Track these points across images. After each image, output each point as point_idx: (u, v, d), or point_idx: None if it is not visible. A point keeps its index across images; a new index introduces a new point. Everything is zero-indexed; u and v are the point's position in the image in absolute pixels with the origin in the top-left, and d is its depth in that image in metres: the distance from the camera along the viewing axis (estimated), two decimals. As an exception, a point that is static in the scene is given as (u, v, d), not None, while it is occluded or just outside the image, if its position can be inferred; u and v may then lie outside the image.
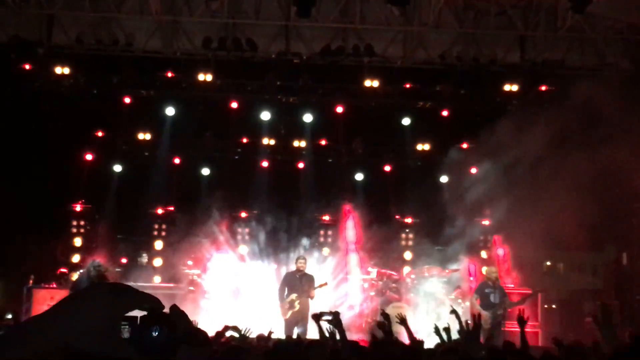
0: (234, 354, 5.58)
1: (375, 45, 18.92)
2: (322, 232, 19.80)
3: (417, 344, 8.02)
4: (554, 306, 18.35)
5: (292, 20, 18.35)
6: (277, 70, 19.26)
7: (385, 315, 8.16)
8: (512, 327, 13.91)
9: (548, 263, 19.85)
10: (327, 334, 8.03)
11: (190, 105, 19.86)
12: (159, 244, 19.30)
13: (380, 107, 19.97)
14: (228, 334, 8.15)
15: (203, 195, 19.78)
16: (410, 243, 20.02)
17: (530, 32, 18.74)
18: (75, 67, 18.89)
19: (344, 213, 19.55)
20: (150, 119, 20.03)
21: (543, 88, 19.22)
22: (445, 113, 20.08)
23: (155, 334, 1.69)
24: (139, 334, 1.69)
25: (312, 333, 13.48)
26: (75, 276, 16.92)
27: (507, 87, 19.30)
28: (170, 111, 19.85)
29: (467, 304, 16.36)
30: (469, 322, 9.03)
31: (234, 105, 19.86)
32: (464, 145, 19.82)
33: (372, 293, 17.90)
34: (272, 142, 20.49)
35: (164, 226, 19.61)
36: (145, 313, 1.72)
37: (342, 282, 18.45)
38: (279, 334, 13.00)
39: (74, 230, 19.48)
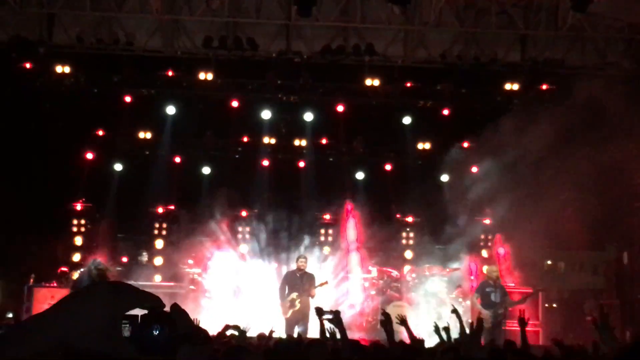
0: (235, 353, 5.56)
1: (376, 44, 18.91)
2: (322, 231, 19.80)
3: (417, 343, 8.02)
4: (554, 305, 18.35)
5: (293, 19, 18.34)
6: (277, 69, 19.25)
7: (386, 315, 8.15)
8: (513, 326, 13.90)
9: (549, 262, 19.82)
10: (327, 333, 8.03)
11: (191, 104, 19.86)
12: (159, 243, 19.31)
13: (381, 106, 19.98)
14: (229, 332, 8.15)
15: (204, 195, 19.79)
16: (411, 242, 20.03)
17: (531, 31, 18.72)
18: (76, 66, 18.89)
19: (345, 212, 19.55)
20: (151, 118, 20.03)
21: (544, 87, 19.21)
22: (446, 112, 20.08)
23: (156, 332, 1.69)
24: (140, 332, 1.68)
25: (313, 332, 13.50)
26: (75, 275, 16.95)
27: (507, 86, 19.29)
28: (170, 110, 19.85)
29: (468, 303, 16.37)
30: (470, 321, 9.03)
31: (235, 104, 19.85)
32: (465, 145, 19.82)
33: (373, 292, 17.91)
34: (273, 141, 20.49)
35: (164, 225, 19.62)
36: (146, 312, 1.72)
37: (342, 281, 18.45)
38: (280, 333, 12.99)
39: (75, 229, 19.48)
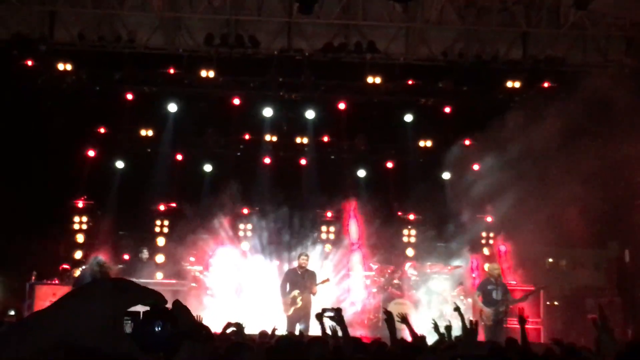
0: (236, 350, 5.57)
1: (377, 41, 18.90)
2: (324, 229, 19.79)
3: (419, 340, 8.03)
4: (556, 303, 18.34)
5: (295, 17, 18.34)
6: (279, 66, 19.23)
7: (388, 313, 8.16)
8: (515, 323, 13.90)
9: (550, 260, 19.83)
10: (329, 331, 8.03)
11: (193, 102, 19.85)
12: (161, 240, 19.33)
13: (382, 104, 19.97)
14: (229, 330, 8.16)
15: (205, 192, 19.79)
16: (412, 240, 20.02)
17: (533, 29, 18.71)
18: (78, 63, 18.88)
19: (347, 209, 19.54)
20: (153, 115, 20.04)
21: (545, 85, 19.19)
22: (447, 110, 20.08)
23: (158, 329, 1.68)
24: (142, 329, 1.68)
25: (315, 329, 13.50)
26: (77, 272, 16.98)
27: (509, 84, 19.27)
28: (172, 108, 19.87)
29: (470, 300, 16.37)
30: (472, 319, 9.03)
31: (237, 101, 19.86)
32: (466, 142, 19.81)
33: (375, 289, 17.91)
34: (275, 138, 20.49)
35: (166, 222, 19.63)
36: (147, 308, 1.72)
37: (344, 278, 18.45)
38: (281, 330, 13.00)
39: (76, 226, 19.50)
